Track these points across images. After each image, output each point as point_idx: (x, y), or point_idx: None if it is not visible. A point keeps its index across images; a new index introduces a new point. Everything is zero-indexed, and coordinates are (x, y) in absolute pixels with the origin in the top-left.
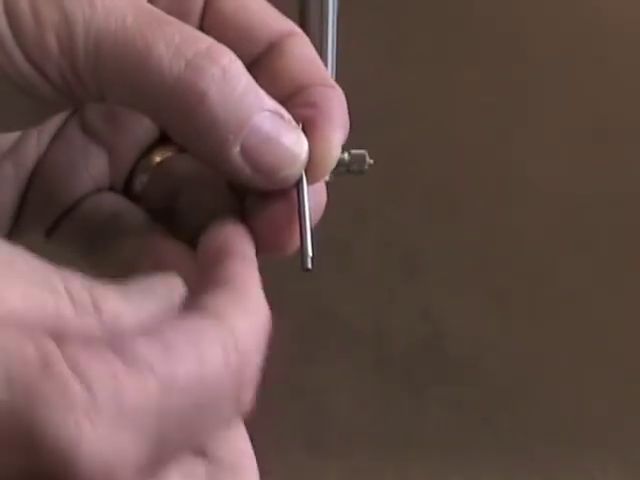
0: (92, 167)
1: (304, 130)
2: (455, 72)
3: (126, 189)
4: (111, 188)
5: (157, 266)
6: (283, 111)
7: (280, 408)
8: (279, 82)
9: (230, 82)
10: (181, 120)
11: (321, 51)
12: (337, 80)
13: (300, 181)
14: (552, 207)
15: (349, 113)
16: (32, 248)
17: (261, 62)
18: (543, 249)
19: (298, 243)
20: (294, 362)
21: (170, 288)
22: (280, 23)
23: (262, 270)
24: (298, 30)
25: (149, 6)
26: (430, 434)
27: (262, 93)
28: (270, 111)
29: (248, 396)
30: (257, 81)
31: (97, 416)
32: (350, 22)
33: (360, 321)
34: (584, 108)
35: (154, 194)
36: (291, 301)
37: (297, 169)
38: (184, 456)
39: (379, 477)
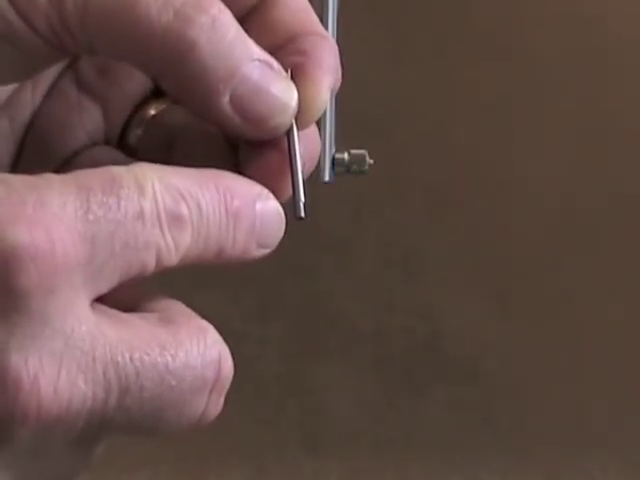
0: (86, 121)
1: (293, 77)
2: (455, 72)
3: (121, 142)
4: (106, 141)
5: None
6: (272, 61)
7: (280, 407)
8: (272, 32)
9: (219, 31)
10: (171, 70)
11: None
12: None
13: (290, 129)
14: (552, 207)
15: (349, 113)
16: None
17: (255, 13)
18: (543, 249)
19: (290, 191)
20: (294, 362)
21: None
22: None
23: (262, 270)
24: None
25: None
26: (430, 434)
27: (251, 43)
28: (260, 61)
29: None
30: (250, 31)
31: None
32: (350, 22)
33: (360, 321)
34: (584, 108)
35: (149, 147)
36: (291, 301)
37: (287, 118)
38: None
39: (379, 477)
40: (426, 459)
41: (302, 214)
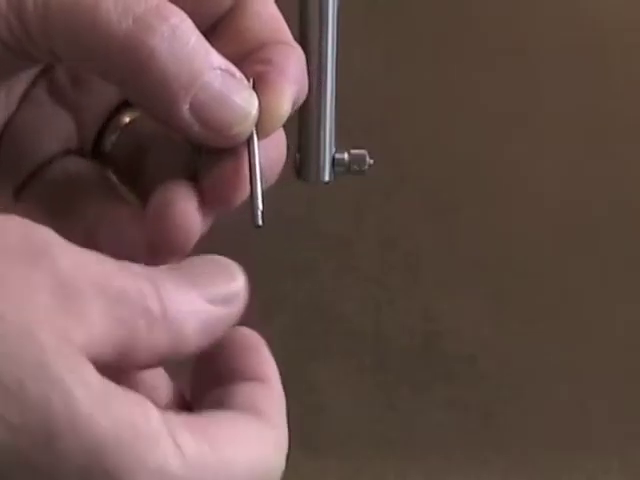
0: (60, 129)
1: (255, 86)
2: (455, 72)
3: (95, 150)
4: (80, 148)
5: (111, 238)
6: (234, 69)
7: None
8: (240, 40)
9: (179, 40)
10: (131, 77)
11: (321, 51)
12: (337, 80)
13: (251, 138)
14: (552, 207)
15: (349, 113)
16: (1, 208)
17: (225, 20)
18: (543, 249)
19: (244, 199)
20: (293, 361)
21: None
22: None
23: (262, 270)
24: None
25: None
26: (430, 434)
27: (213, 52)
28: (221, 69)
29: None
30: (220, 39)
31: None
32: (350, 22)
33: (360, 321)
34: (584, 108)
35: (123, 154)
36: (291, 301)
37: (247, 126)
38: None
39: (379, 477)
40: (426, 459)
41: (259, 222)
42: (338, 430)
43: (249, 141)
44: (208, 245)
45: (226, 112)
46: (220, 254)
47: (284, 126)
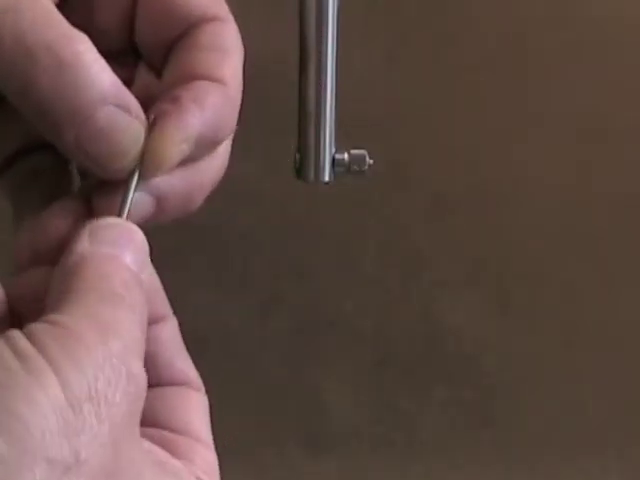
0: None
1: (154, 124)
2: (455, 72)
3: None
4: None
5: (33, 257)
6: (130, 105)
7: (280, 407)
8: (175, 71)
9: (65, 75)
10: (17, 102)
11: (321, 52)
12: (337, 80)
13: (131, 175)
14: (552, 207)
15: (349, 113)
16: None
17: (176, 46)
18: (543, 249)
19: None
20: (294, 361)
21: None
22: (207, 6)
23: (262, 270)
24: (224, 15)
25: None
26: (430, 434)
27: (111, 84)
28: (115, 105)
29: None
30: (169, 63)
31: None
32: (350, 22)
33: (360, 321)
34: (584, 108)
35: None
36: (291, 301)
37: (127, 163)
38: None
39: (379, 477)
40: (426, 459)
41: None
42: (338, 430)
43: (129, 177)
44: (209, 245)
45: (108, 148)
46: (220, 254)
47: (284, 126)
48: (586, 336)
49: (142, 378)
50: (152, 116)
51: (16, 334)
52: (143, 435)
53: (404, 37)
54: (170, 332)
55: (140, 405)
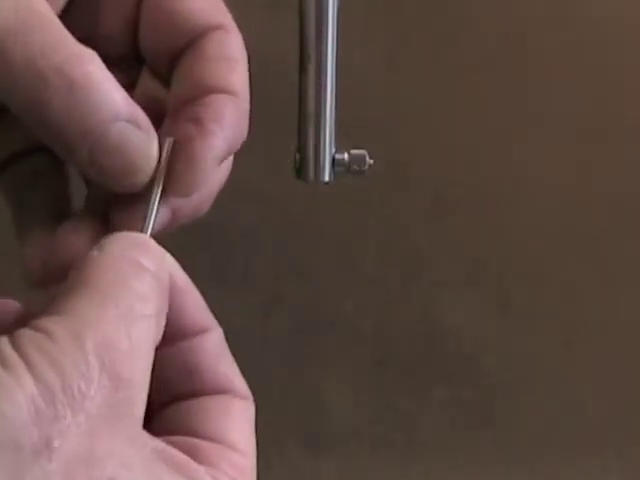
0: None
1: (175, 148)
2: (455, 72)
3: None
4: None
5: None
6: (141, 121)
7: (280, 407)
8: (186, 82)
9: (76, 95)
10: (29, 120)
11: (320, 52)
12: (337, 81)
13: (151, 188)
14: (552, 207)
15: (349, 113)
16: None
17: (181, 57)
18: (543, 249)
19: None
20: (294, 362)
21: None
22: (211, 15)
23: (262, 270)
24: (228, 24)
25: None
26: (430, 434)
27: (122, 101)
28: (127, 120)
29: None
30: (173, 74)
31: None
32: (350, 22)
33: (360, 321)
34: (584, 108)
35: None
36: (291, 301)
37: (142, 177)
38: None
39: (379, 477)
40: (426, 459)
41: None
42: (338, 430)
43: (151, 190)
44: (209, 245)
45: (122, 163)
46: (220, 254)
47: (284, 126)
48: (586, 336)
49: (122, 372)
50: (172, 138)
51: (2, 340)
52: (168, 442)
53: (404, 37)
54: (214, 342)
55: (126, 398)
